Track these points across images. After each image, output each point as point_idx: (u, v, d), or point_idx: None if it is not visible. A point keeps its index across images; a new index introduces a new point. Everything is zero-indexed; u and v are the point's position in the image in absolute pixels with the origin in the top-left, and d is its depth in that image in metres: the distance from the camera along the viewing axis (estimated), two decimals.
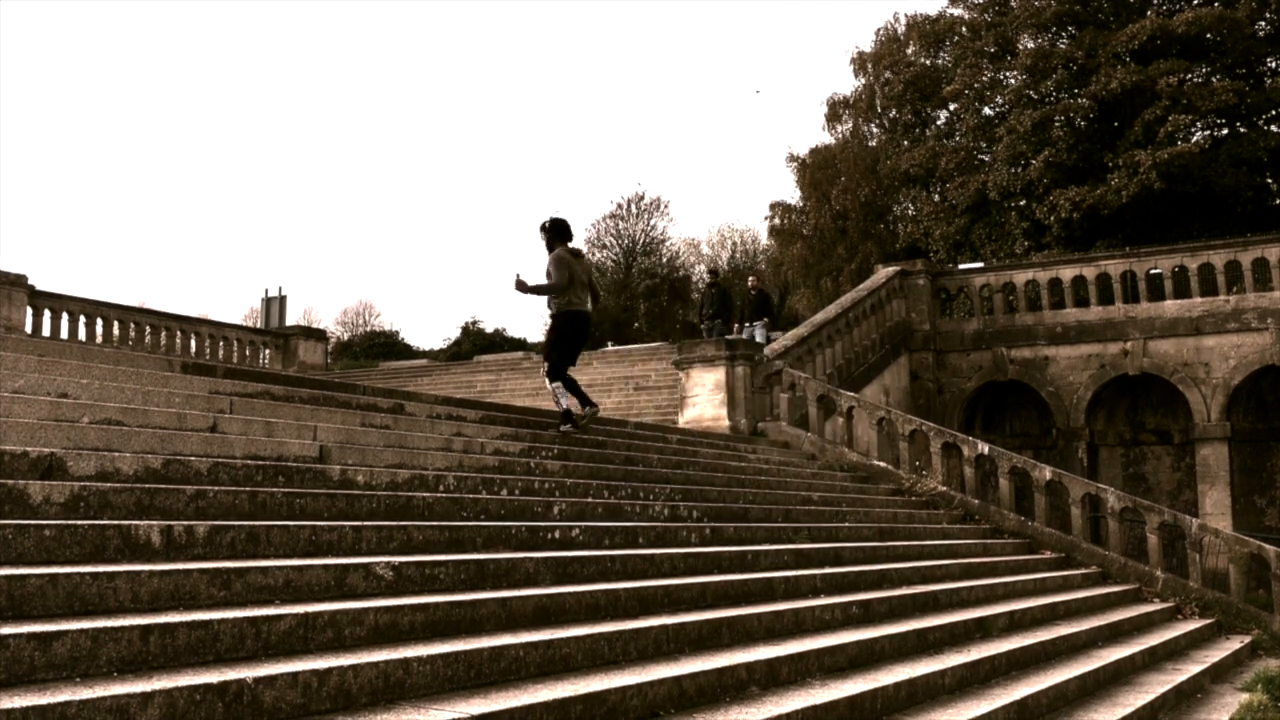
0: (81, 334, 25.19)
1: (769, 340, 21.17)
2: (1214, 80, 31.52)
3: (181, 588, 4.92)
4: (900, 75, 38.01)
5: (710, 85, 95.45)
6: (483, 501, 8.16)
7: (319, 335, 33.21)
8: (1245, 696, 9.96)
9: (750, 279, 24.61)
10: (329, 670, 4.52)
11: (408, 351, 49.53)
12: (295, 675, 4.38)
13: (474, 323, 52.87)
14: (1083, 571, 14.66)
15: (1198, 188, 29.93)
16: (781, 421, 17.66)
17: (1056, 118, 31.72)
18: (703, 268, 59.30)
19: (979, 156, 35.01)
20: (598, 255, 56.55)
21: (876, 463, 16.74)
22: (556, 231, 12.45)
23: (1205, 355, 22.38)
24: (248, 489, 6.55)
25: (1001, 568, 13.26)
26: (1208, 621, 13.79)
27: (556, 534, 7.98)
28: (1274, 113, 32.37)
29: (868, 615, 8.85)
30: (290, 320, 35.12)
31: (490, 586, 6.52)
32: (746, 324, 21.99)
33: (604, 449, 12.08)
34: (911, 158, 35.53)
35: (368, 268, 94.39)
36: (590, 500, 9.41)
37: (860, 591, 9.51)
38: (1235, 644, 12.98)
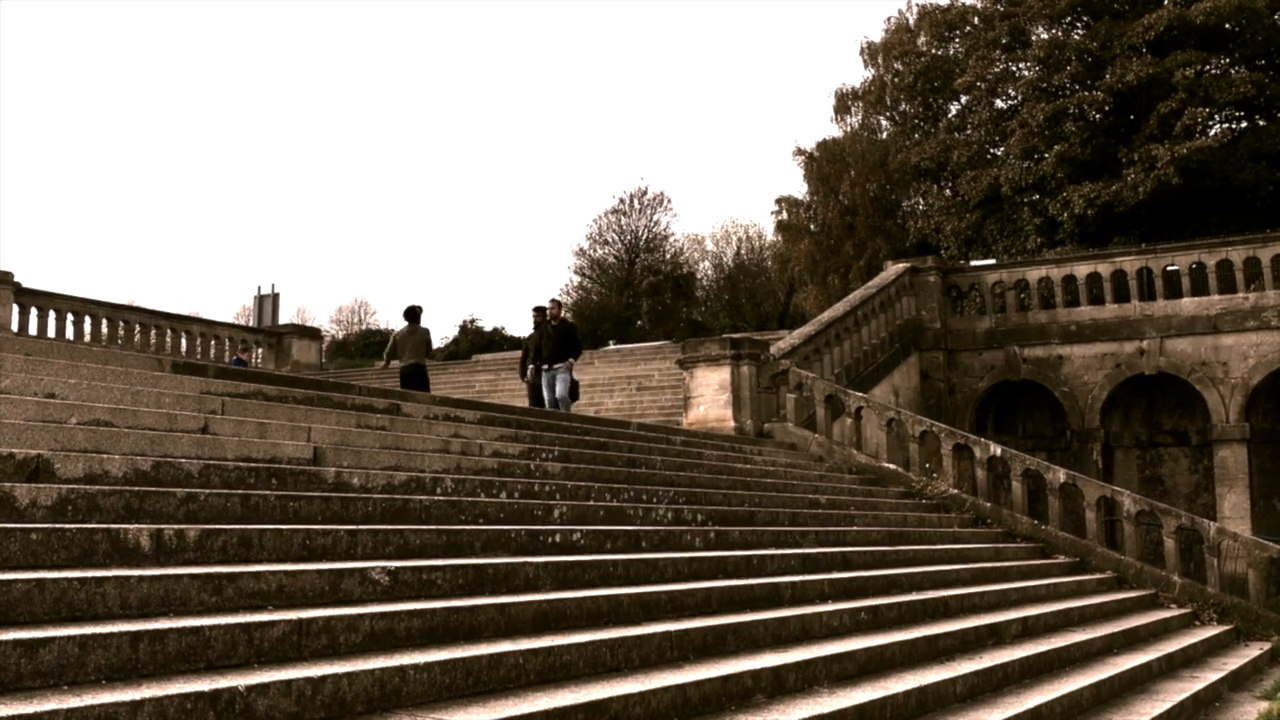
0: (69, 333, 25.24)
1: (573, 386, 18.06)
2: (1233, 72, 31.48)
3: (172, 593, 4.91)
4: (911, 66, 37.98)
5: (715, 77, 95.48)
6: (481, 505, 8.15)
7: (313, 334, 33.27)
8: (1265, 705, 9.96)
9: (549, 305, 18.81)
10: (323, 678, 4.52)
11: None
12: (289, 683, 4.38)
13: (472, 321, 52.87)
14: (1098, 576, 14.65)
15: (1216, 182, 29.89)
16: (788, 422, 17.66)
17: (1071, 111, 31.66)
18: (707, 264, 59.31)
19: (991, 150, 34.99)
20: (599, 252, 56.58)
21: (886, 465, 16.73)
22: (404, 315, 18.41)
23: (1223, 354, 22.36)
24: (240, 492, 6.56)
25: (1014, 573, 13.24)
26: (1226, 628, 13.77)
27: (557, 538, 7.98)
28: None
29: (877, 621, 8.84)
30: (284, 319, 35.17)
31: (489, 592, 6.52)
32: (545, 366, 18.09)
33: (606, 450, 12.09)
34: (922, 151, 35.51)
35: (363, 265, 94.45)
36: (592, 503, 9.40)
37: (869, 597, 9.50)
38: (1254, 651, 12.97)
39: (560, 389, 17.73)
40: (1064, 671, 9.28)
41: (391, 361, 18.37)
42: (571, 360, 18.08)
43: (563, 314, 18.93)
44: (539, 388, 18.17)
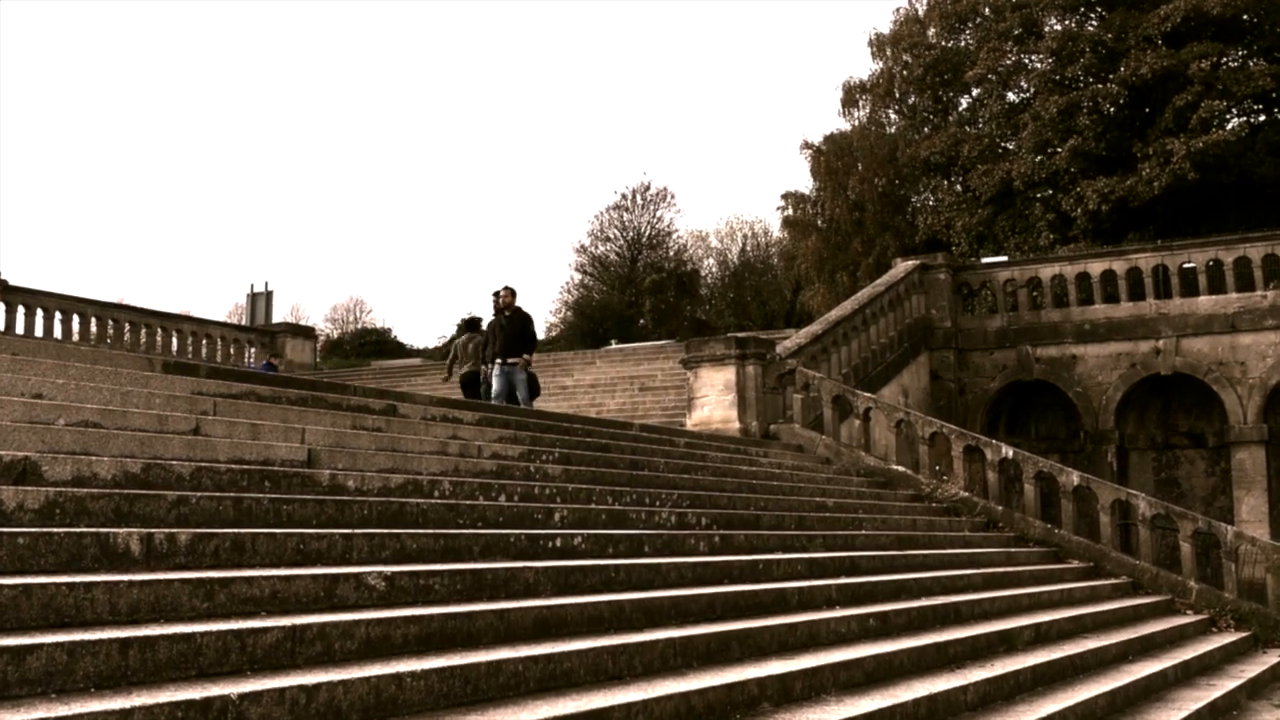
0: (57, 331, 25.25)
1: (532, 387, 17.39)
2: (1251, 64, 31.44)
3: (162, 599, 4.91)
4: (920, 58, 37.96)
5: (719, 70, 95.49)
6: (480, 508, 8.15)
7: (307, 333, 33.31)
8: None
9: (501, 292, 17.74)
10: (318, 686, 4.52)
11: (400, 350, 49.57)
12: (282, 691, 4.37)
13: (470, 319, 52.77)
14: (1112, 582, 14.64)
15: (1233, 177, 29.86)
16: (795, 424, 17.65)
17: (1084, 104, 31.65)
18: (711, 261, 59.25)
19: (1003, 144, 34.95)
20: (601, 248, 56.56)
21: (895, 467, 16.72)
22: (466, 325, 20.39)
23: (1241, 354, 22.34)
24: (232, 495, 6.55)
25: (1026, 578, 13.24)
26: (1244, 634, 13.78)
27: (558, 542, 7.98)
28: None
29: (885, 628, 8.84)
30: (277, 317, 35.21)
31: (488, 597, 6.51)
32: (495, 362, 17.33)
33: (608, 452, 12.09)
34: (932, 145, 35.48)
35: (358, 262, 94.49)
36: (593, 506, 9.41)
37: (877, 603, 9.50)
38: (1273, 658, 12.96)
39: (520, 389, 17.01)
40: (1078, 679, 9.27)
41: (453, 368, 19.59)
42: (526, 356, 17.20)
43: (517, 302, 17.67)
44: (497, 382, 17.21)
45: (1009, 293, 25.06)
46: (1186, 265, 23.48)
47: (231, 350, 29.72)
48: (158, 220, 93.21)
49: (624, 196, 57.02)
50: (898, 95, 41.12)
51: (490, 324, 18.03)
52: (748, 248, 58.74)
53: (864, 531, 12.48)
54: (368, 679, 4.74)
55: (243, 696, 4.22)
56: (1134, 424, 24.23)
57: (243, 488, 6.90)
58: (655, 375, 25.91)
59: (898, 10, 41.40)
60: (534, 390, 17.59)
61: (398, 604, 5.91)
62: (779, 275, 52.84)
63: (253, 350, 30.16)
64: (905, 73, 39.35)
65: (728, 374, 17.83)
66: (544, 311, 58.24)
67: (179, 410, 8.16)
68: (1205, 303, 22.86)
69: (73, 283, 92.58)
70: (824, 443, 17.25)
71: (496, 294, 17.94)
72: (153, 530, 5.53)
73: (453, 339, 19.02)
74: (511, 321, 17.40)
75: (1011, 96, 35.31)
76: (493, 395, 17.11)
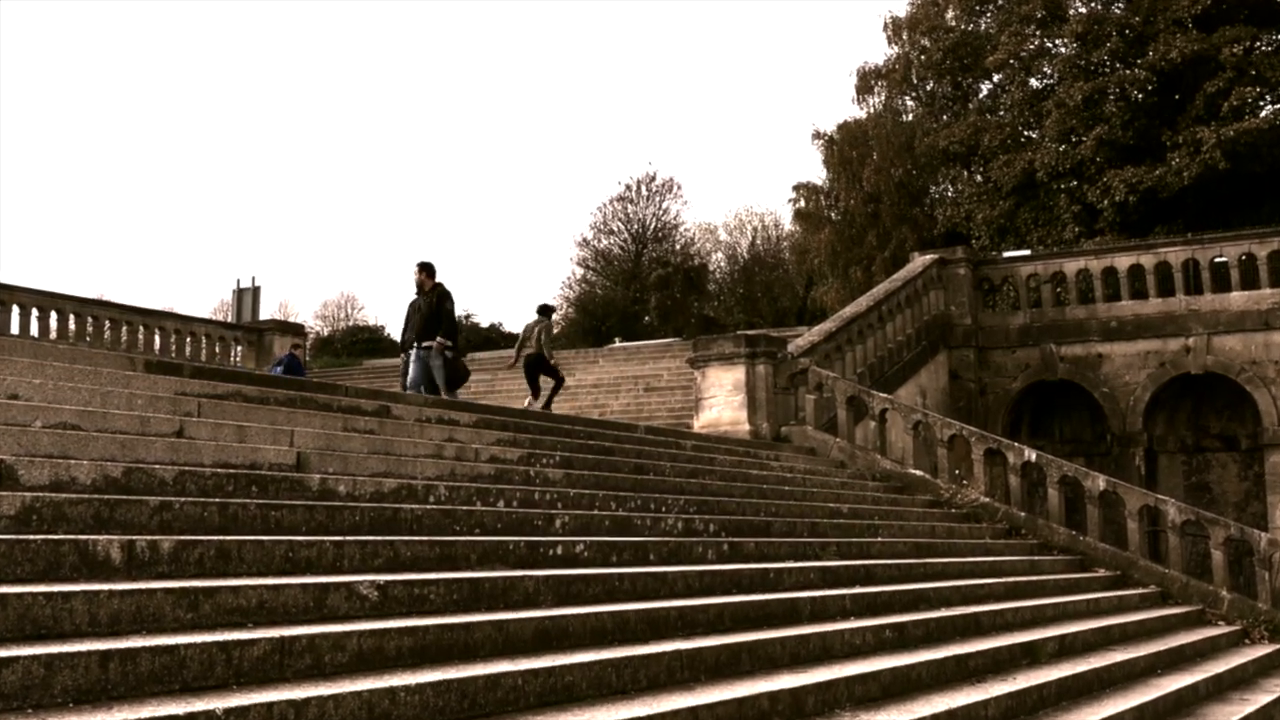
0: (34, 329, 25.28)
1: (453, 374, 16.65)
2: None
3: (144, 609, 4.91)
4: (939, 42, 37.88)
5: (728, 56, 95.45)
6: (477, 514, 8.15)
7: (296, 330, 33.34)
8: None
9: (418, 272, 16.95)
10: (307, 700, 4.51)
11: (394, 349, 49.56)
12: (270, 706, 4.37)
13: (466, 317, 52.86)
14: (1140, 591, 14.62)
15: (1266, 167, 29.78)
16: (807, 425, 17.64)
17: (1111, 90, 31.59)
18: (720, 255, 59.23)
19: (1025, 133, 34.88)
20: (604, 242, 56.60)
21: (912, 471, 16.71)
22: (537, 311, 20.54)
23: (1275, 352, 22.28)
24: (217, 500, 6.55)
25: (1050, 587, 13.23)
26: (1278, 646, 13.75)
27: (559, 550, 7.98)
28: None
29: (903, 639, 8.83)
30: (265, 314, 35.22)
31: (485, 608, 6.51)
32: (415, 345, 16.63)
33: (611, 456, 12.09)
34: (951, 134, 35.43)
35: (350, 257, 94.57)
36: (596, 512, 9.40)
37: (894, 613, 9.50)
38: None
39: (437, 374, 16.26)
40: (1104, 693, 9.26)
41: (519, 352, 20.37)
42: (441, 339, 16.32)
43: (436, 280, 16.77)
44: (412, 369, 16.60)
45: (1032, 288, 25.02)
46: (1218, 259, 23.42)
47: (217, 349, 29.75)
48: (140, 213, 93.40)
49: (628, 187, 57.08)
50: (915, 81, 41.03)
51: (409, 307, 17.36)
52: (758, 241, 58.77)
53: (880, 539, 12.48)
54: (359, 693, 4.73)
55: (228, 711, 4.22)
56: (1163, 426, 24.19)
57: (229, 493, 6.90)
58: (661, 375, 25.94)
59: None
60: (456, 377, 16.84)
61: (391, 614, 5.91)
62: (790, 270, 52.84)
63: (239, 349, 30.19)
64: (923, 58, 39.26)
65: (737, 374, 17.82)
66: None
67: (162, 411, 8.17)
68: (1238, 298, 22.81)
69: (51, 278, 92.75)
70: (838, 445, 17.24)
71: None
72: (134, 537, 5.53)
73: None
74: (429, 301, 16.69)
75: (1034, 83, 35.24)
76: (407, 384, 16.55)
